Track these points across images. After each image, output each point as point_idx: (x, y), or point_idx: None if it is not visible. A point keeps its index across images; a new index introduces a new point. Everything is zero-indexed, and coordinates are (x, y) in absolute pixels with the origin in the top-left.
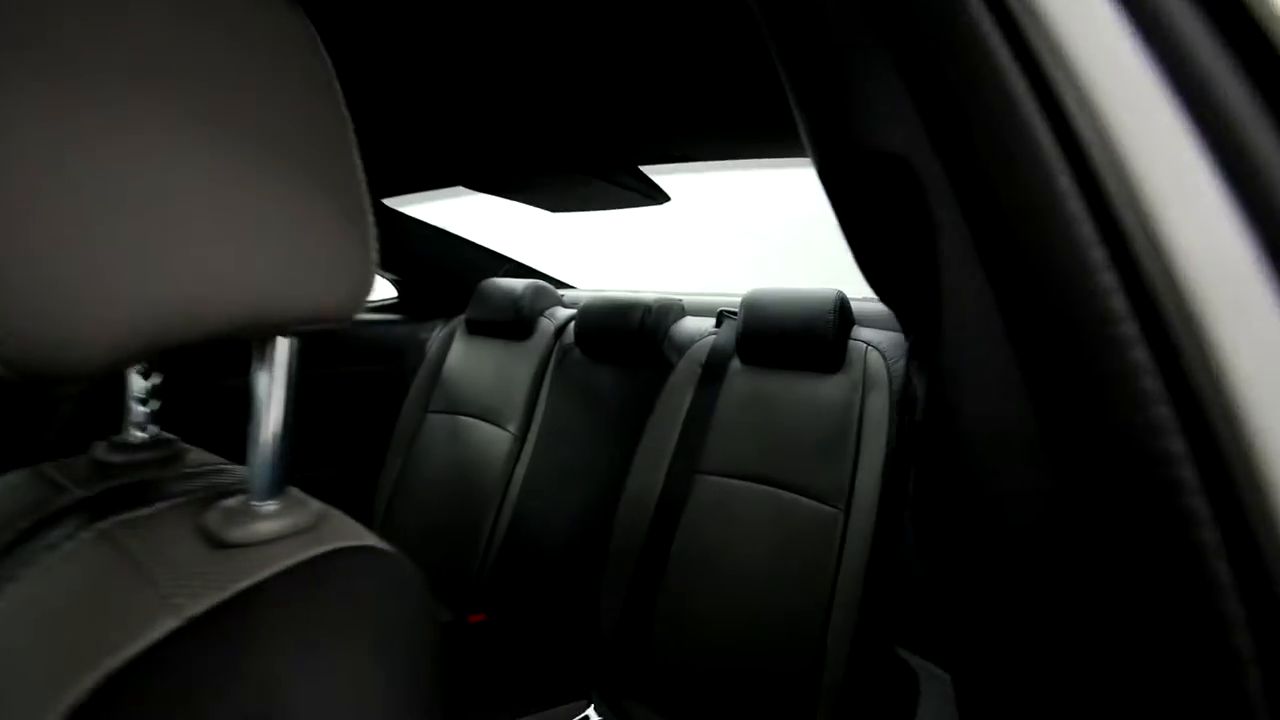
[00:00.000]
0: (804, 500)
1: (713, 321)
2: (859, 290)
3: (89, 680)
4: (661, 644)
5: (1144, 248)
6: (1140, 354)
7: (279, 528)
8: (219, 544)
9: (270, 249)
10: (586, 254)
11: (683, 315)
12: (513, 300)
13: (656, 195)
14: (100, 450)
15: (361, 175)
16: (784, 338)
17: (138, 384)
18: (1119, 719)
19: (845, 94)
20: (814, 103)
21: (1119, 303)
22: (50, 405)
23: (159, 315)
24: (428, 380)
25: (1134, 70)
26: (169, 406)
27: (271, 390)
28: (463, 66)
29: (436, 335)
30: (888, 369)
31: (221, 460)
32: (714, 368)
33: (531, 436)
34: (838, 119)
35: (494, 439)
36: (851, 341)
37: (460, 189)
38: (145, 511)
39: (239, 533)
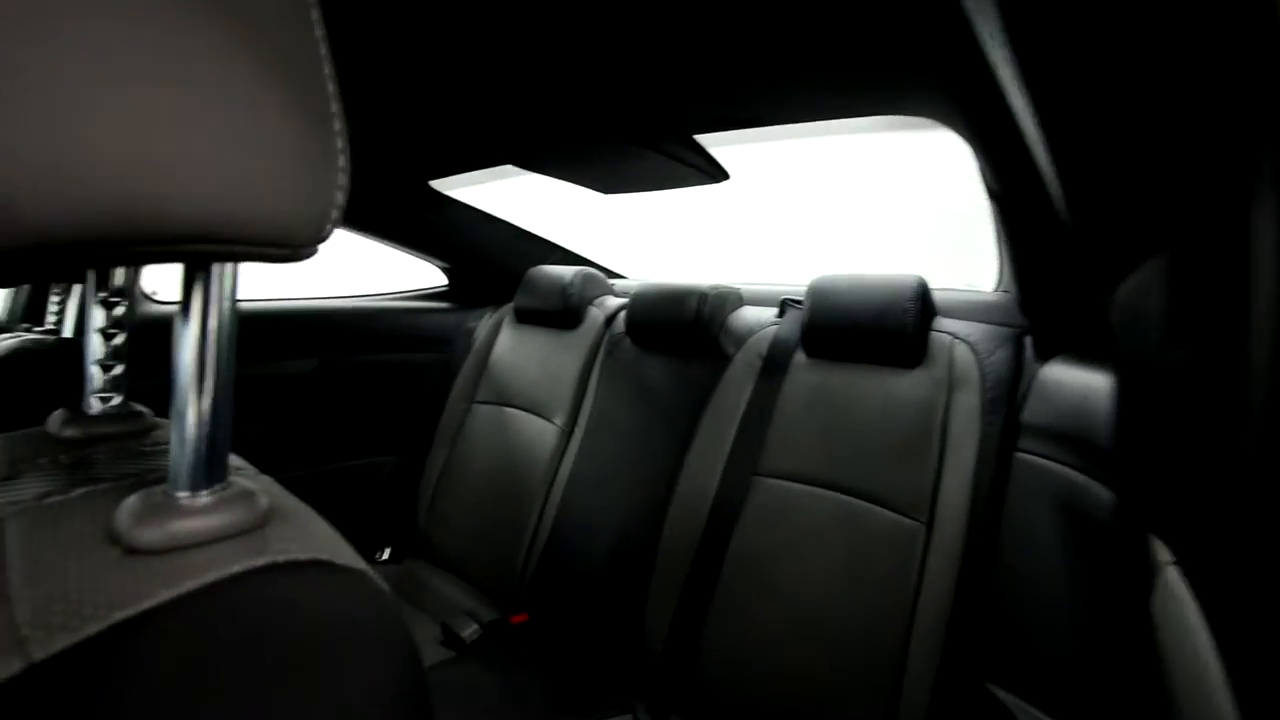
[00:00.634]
0: (878, 510)
1: (773, 311)
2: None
3: None
4: (712, 660)
5: None
6: None
7: (205, 528)
8: (127, 549)
9: (222, 151)
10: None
11: (740, 304)
12: (561, 288)
13: (715, 172)
14: (55, 423)
15: (334, 94)
16: (856, 329)
17: (98, 345)
18: None
19: None
20: None
21: None
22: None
23: (77, 200)
24: (474, 369)
25: None
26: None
27: (205, 335)
28: (504, 24)
29: (484, 324)
30: (979, 364)
31: (152, 443)
32: (775, 360)
33: (579, 430)
34: None
35: (540, 432)
36: (934, 333)
37: (510, 171)
38: (55, 499)
39: (151, 534)
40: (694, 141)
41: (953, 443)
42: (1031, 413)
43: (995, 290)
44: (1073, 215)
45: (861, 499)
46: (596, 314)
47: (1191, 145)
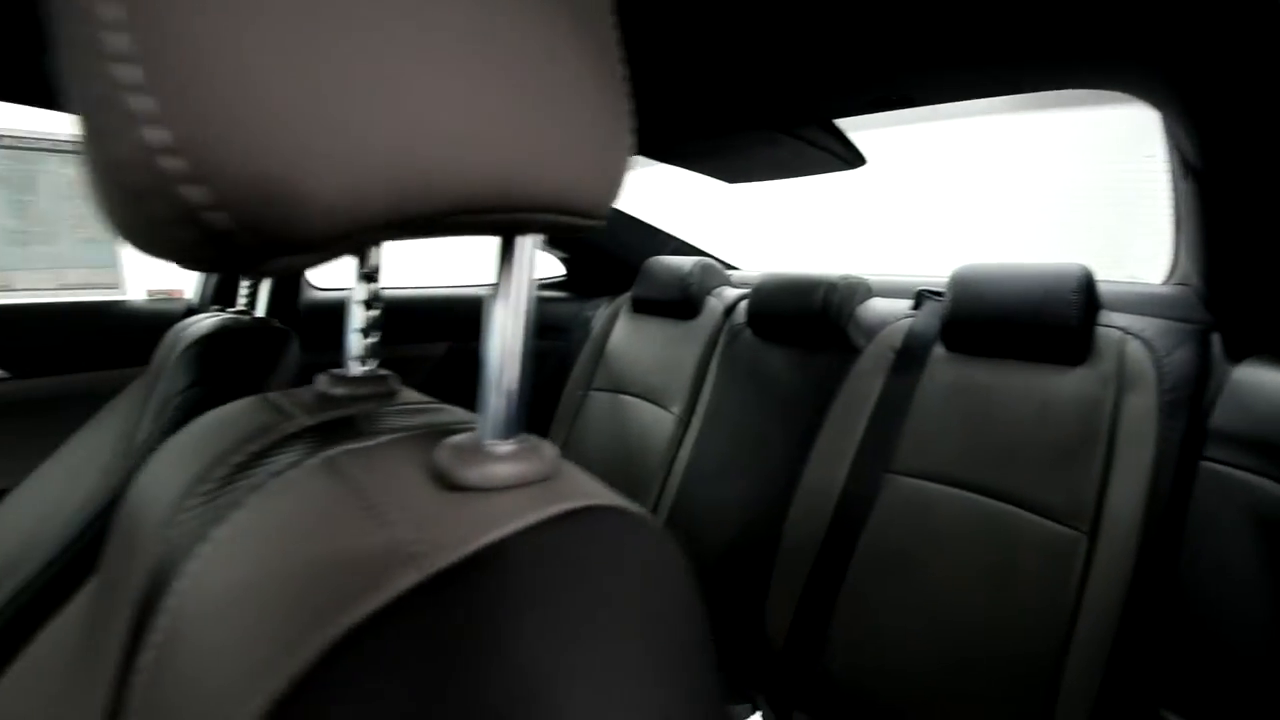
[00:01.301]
0: (1027, 515)
1: (905, 303)
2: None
3: (330, 631)
4: (840, 658)
5: None
6: None
7: (513, 473)
8: (451, 485)
9: (523, 126)
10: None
11: (870, 295)
12: (680, 278)
13: (853, 157)
14: (322, 382)
15: (620, 62)
16: (1007, 322)
17: (359, 315)
18: None
19: None
20: None
21: None
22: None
23: (392, 181)
24: (591, 357)
25: None
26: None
27: (512, 300)
28: (640, 13)
29: (601, 313)
30: (1155, 363)
31: (434, 400)
32: (911, 354)
33: (696, 419)
34: None
35: (657, 420)
36: (1100, 328)
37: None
38: (370, 443)
39: (473, 474)
40: (833, 126)
41: (1123, 448)
42: (1223, 418)
43: (1167, 282)
44: None
45: (1008, 503)
46: (715, 304)
47: None
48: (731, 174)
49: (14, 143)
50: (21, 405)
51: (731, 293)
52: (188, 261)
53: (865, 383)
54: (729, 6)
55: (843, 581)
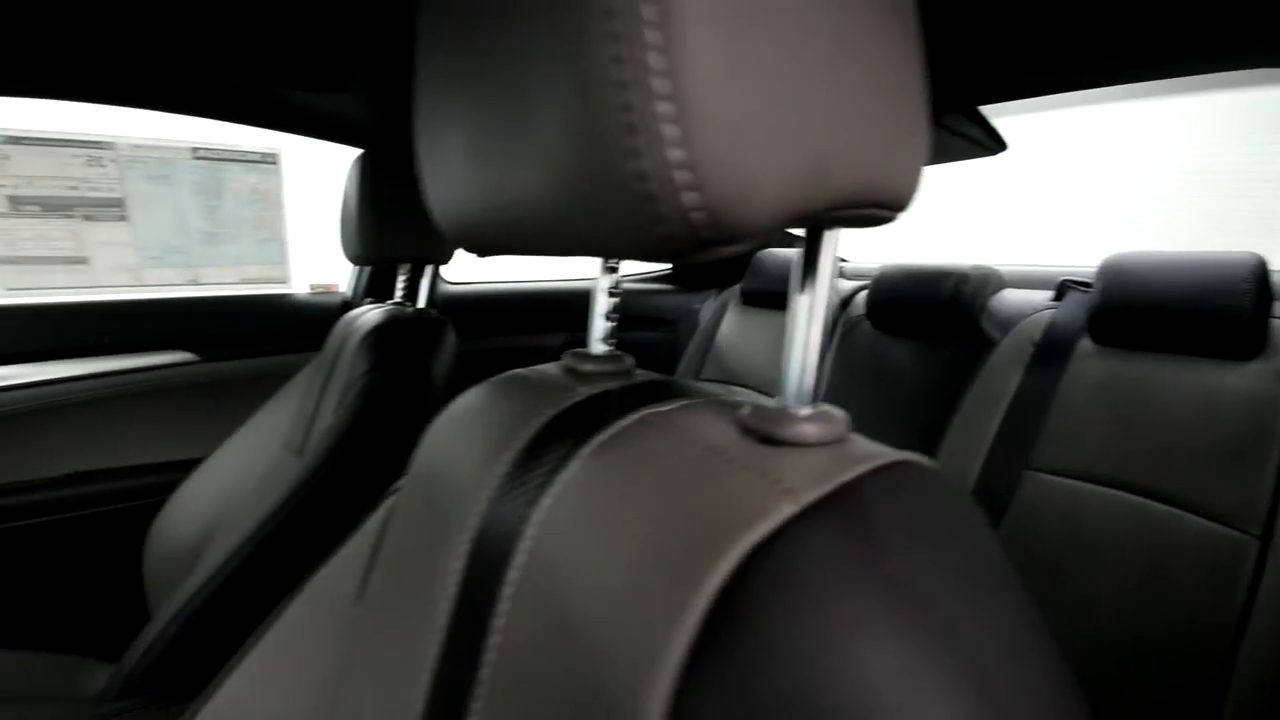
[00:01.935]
0: (1188, 517)
1: (1042, 294)
2: None
3: (735, 552)
4: None
5: None
6: None
7: (820, 432)
8: (767, 440)
9: (879, 124)
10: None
11: (1003, 286)
12: (789, 269)
13: (994, 143)
14: (570, 360)
15: (919, 50)
16: (1165, 314)
17: (603, 302)
18: None
19: None
20: None
21: None
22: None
23: (803, 183)
24: (700, 349)
25: None
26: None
27: (816, 292)
28: None
29: (709, 305)
30: None
31: (666, 376)
32: (1053, 347)
33: None
34: None
35: None
36: (1276, 320)
37: None
38: (667, 407)
39: (788, 432)
40: (977, 112)
41: None
42: None
43: None
44: None
45: (1166, 503)
46: (831, 296)
47: None
48: None
49: (208, 154)
50: (209, 385)
51: (846, 284)
52: (658, 254)
53: (1001, 376)
54: None
55: None
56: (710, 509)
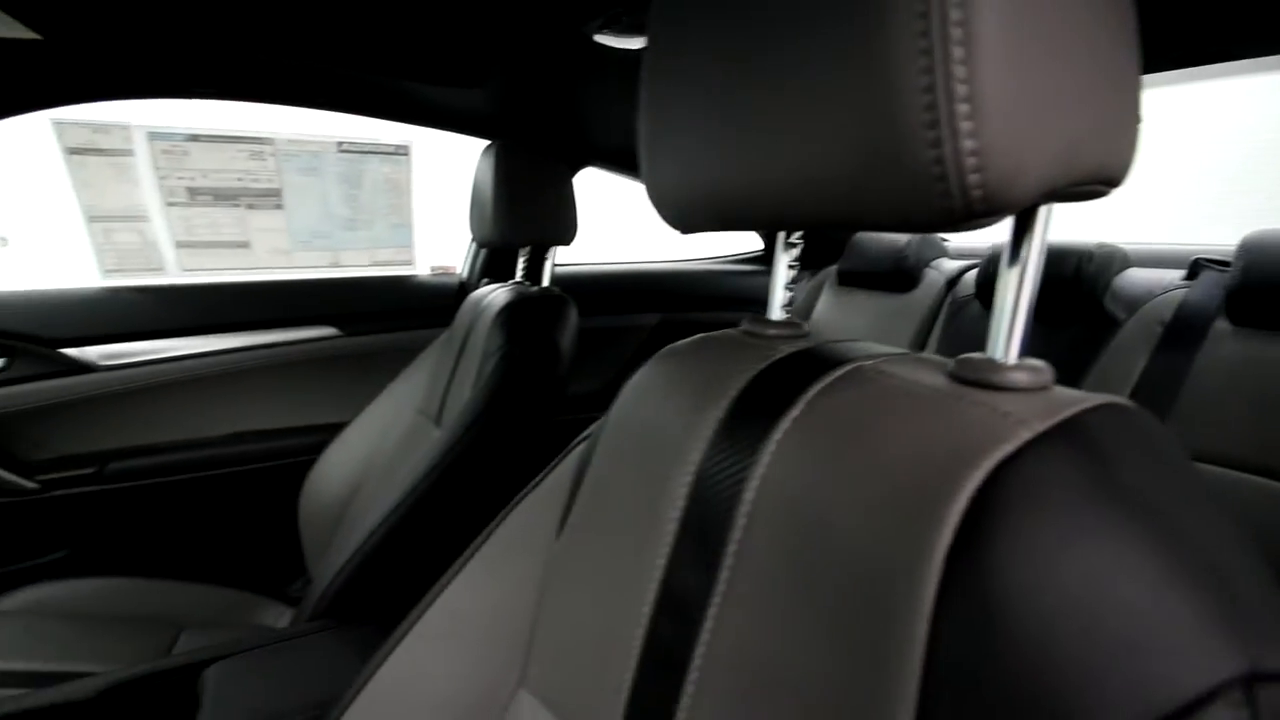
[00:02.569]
0: None
1: (1171, 274)
2: None
3: (976, 474)
4: None
5: None
6: None
7: (1029, 379)
8: (978, 385)
9: (1104, 110)
10: None
11: (1127, 264)
12: (895, 251)
13: None
14: (749, 325)
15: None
16: None
17: (783, 273)
18: None
19: None
20: None
21: None
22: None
23: (1058, 162)
24: None
25: None
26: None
27: (1030, 262)
28: None
29: (803, 286)
30: None
31: (849, 339)
32: (1185, 328)
33: None
34: None
35: None
36: None
37: None
38: (871, 361)
39: (998, 377)
40: None
41: None
42: None
43: None
44: None
45: None
46: (935, 276)
47: None
48: None
49: (350, 147)
50: (348, 357)
51: (952, 264)
52: (928, 226)
53: (1127, 358)
54: None
55: None
56: (952, 434)
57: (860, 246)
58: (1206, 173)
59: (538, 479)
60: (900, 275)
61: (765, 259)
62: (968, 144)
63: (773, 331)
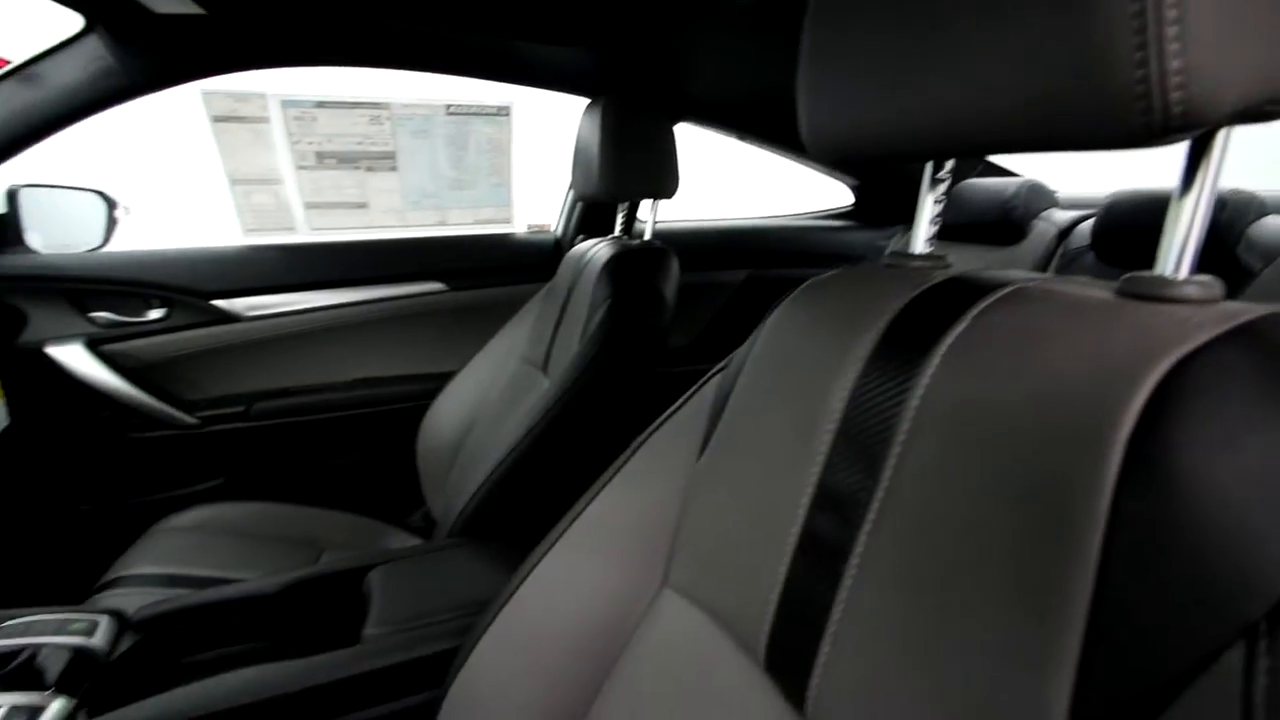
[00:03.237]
0: None
1: None
2: None
3: (1162, 365)
4: None
5: None
6: None
7: (1201, 293)
8: (1153, 299)
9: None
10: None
11: (1263, 212)
12: (1001, 201)
13: None
14: (893, 259)
15: None
16: None
17: (930, 207)
18: None
19: None
20: None
21: None
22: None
23: (1255, 80)
24: None
25: None
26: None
27: (1205, 182)
28: None
29: (897, 240)
30: None
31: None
32: None
33: None
34: None
35: None
36: None
37: None
38: (1032, 283)
39: (1170, 291)
40: None
41: None
42: None
43: None
44: None
45: None
46: (1045, 228)
47: None
48: None
49: (457, 110)
50: (455, 311)
51: (1064, 215)
52: (1122, 144)
53: None
54: None
55: None
56: (1129, 337)
57: (962, 197)
58: None
59: (673, 408)
60: (1007, 227)
61: (855, 214)
62: (1174, 64)
63: (916, 264)
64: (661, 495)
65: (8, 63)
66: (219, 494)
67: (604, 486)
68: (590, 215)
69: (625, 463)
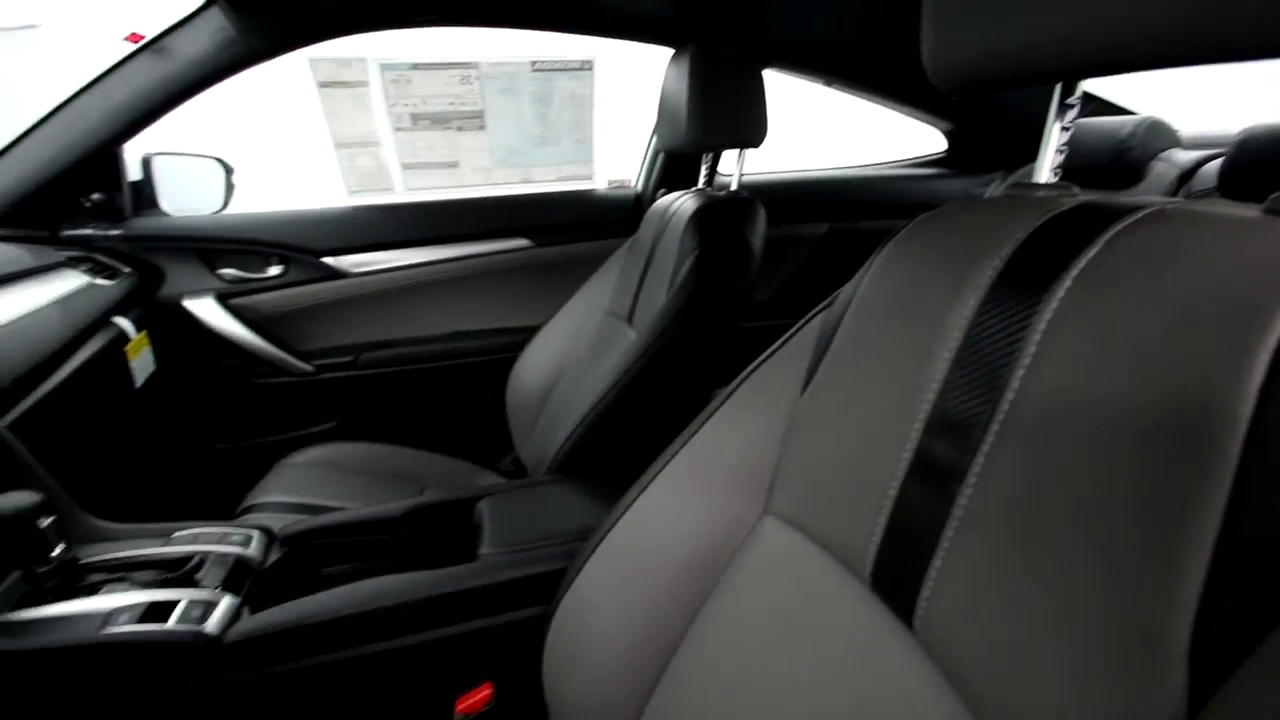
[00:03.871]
0: None
1: None
2: None
3: None
4: None
5: None
6: None
7: None
8: None
9: None
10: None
11: None
12: (1117, 140)
13: None
14: (1016, 190)
15: None
16: None
17: (1056, 136)
18: None
19: None
20: None
21: None
22: None
23: None
24: None
25: None
26: None
27: None
28: None
29: (995, 189)
30: None
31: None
32: None
33: None
34: None
35: None
36: None
37: None
38: (1167, 206)
39: None
40: None
41: None
42: None
43: None
44: None
45: None
46: (1164, 169)
47: None
48: None
49: (542, 66)
50: (540, 266)
51: (1186, 155)
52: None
53: None
54: None
55: None
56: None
57: (1079, 138)
58: None
59: (774, 346)
60: (1122, 168)
61: (947, 160)
62: None
63: (1040, 194)
64: (763, 429)
65: (142, 38)
66: (332, 435)
67: (704, 423)
68: (670, 170)
69: (725, 400)
